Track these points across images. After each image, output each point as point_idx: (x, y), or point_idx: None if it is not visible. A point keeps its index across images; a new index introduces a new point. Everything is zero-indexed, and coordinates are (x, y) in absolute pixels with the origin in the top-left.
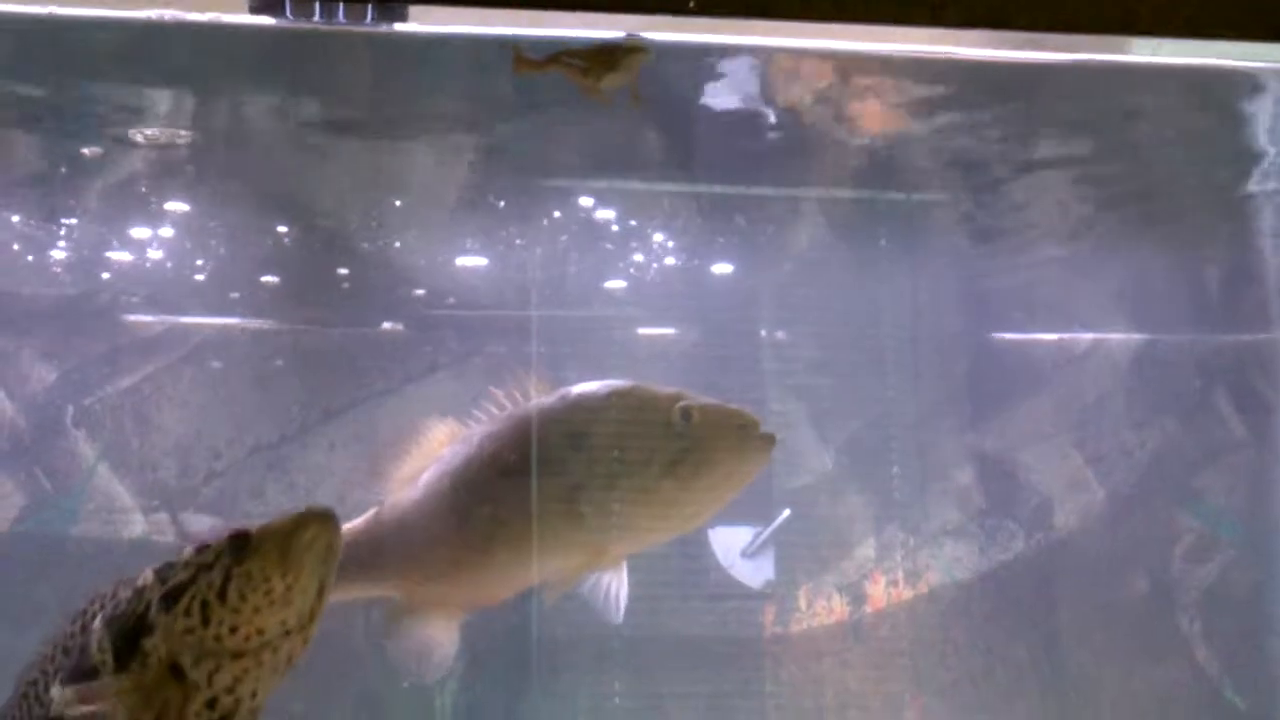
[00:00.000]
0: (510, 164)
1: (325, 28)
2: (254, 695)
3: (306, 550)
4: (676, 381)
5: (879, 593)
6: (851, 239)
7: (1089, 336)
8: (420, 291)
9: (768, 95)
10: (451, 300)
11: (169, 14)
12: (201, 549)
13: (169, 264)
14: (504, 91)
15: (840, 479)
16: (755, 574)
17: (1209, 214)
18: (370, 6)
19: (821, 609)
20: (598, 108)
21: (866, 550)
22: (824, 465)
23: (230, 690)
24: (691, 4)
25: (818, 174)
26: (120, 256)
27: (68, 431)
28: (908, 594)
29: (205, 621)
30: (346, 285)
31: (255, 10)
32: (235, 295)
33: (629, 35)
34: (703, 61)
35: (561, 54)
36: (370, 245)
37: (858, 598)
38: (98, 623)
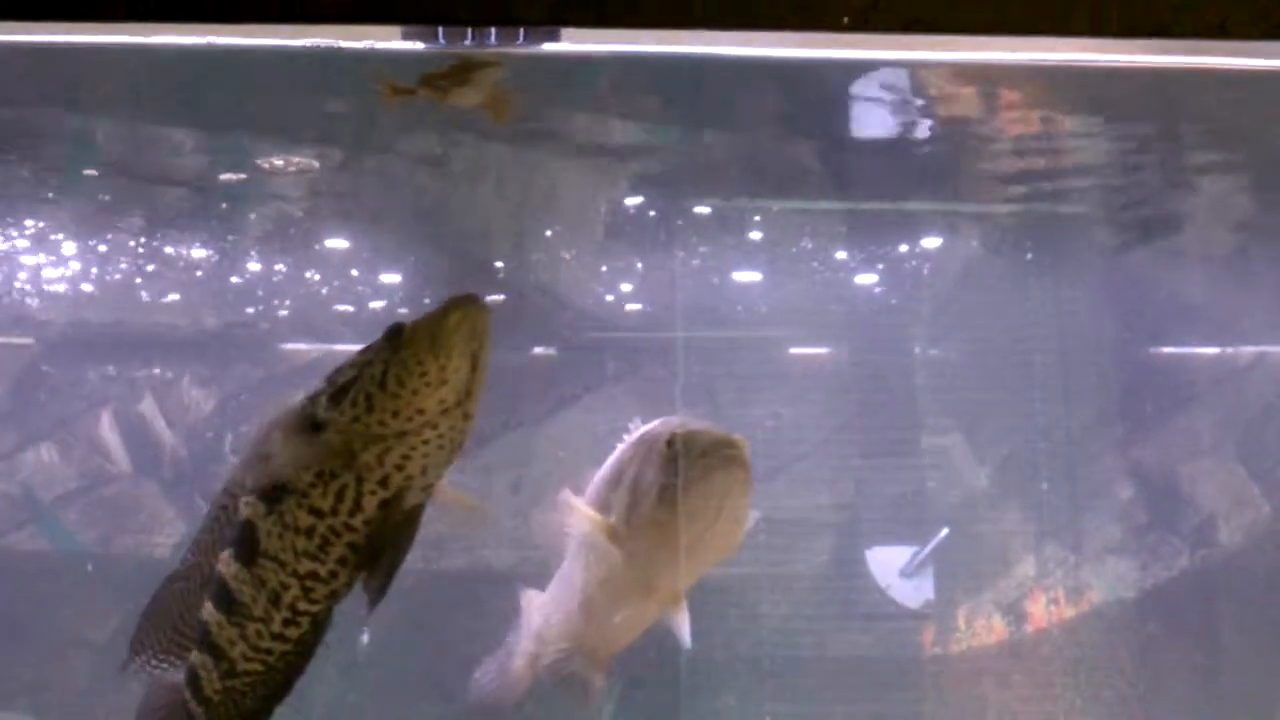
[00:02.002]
0: (661, 186)
1: (477, 51)
2: (424, 472)
3: (454, 332)
4: (828, 401)
5: (1040, 611)
6: (1004, 253)
7: (1252, 349)
8: (572, 315)
9: (921, 110)
10: (603, 324)
11: (323, 42)
12: (365, 350)
13: (322, 292)
14: (652, 112)
15: (997, 496)
16: (914, 594)
17: None
18: (522, 30)
19: (981, 628)
20: (743, 128)
21: (1026, 568)
22: (980, 483)
23: (400, 468)
24: (845, 20)
25: (970, 188)
26: (275, 286)
27: (227, 459)
28: (1069, 612)
29: (370, 409)
30: (498, 310)
31: (407, 36)
32: (388, 323)
33: (485, 50)
34: (855, 77)
35: (426, 75)
36: (522, 270)
37: (1018, 616)
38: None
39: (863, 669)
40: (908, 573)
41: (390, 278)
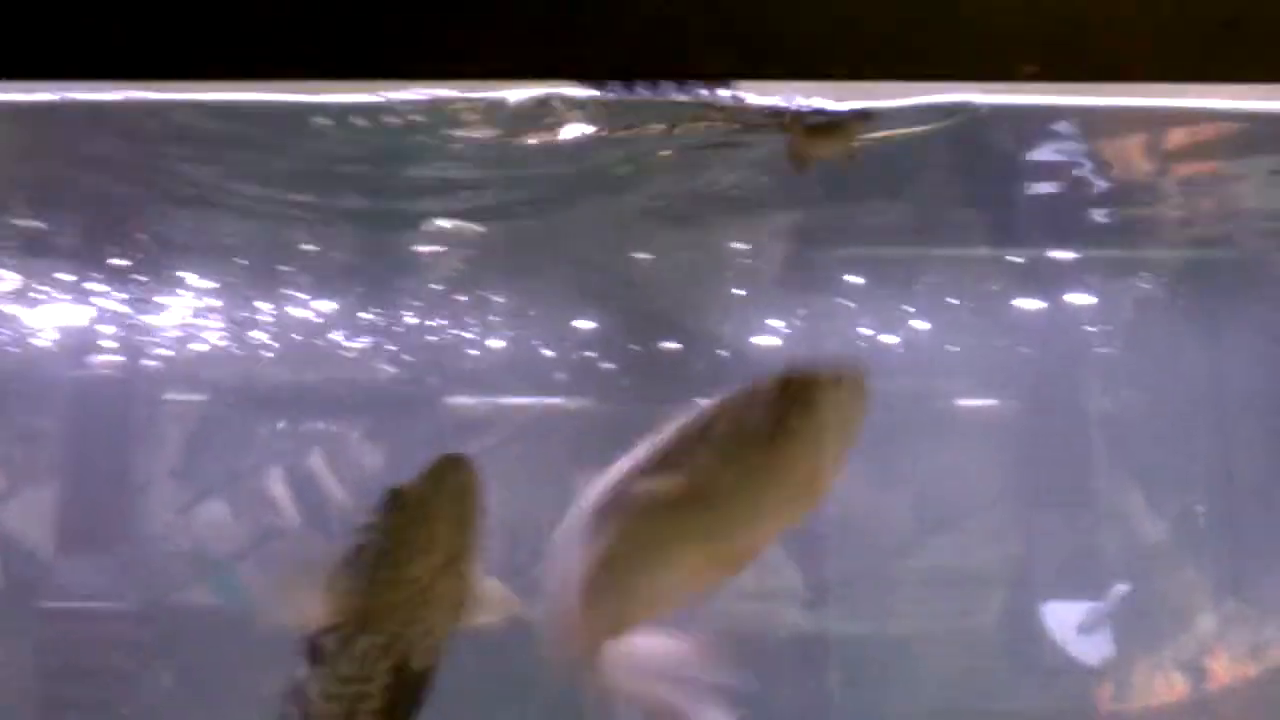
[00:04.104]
0: (820, 238)
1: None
2: (428, 634)
3: (438, 497)
4: (998, 458)
5: (1221, 669)
6: (1177, 302)
7: None
8: (732, 363)
9: (1091, 156)
10: (762, 372)
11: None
12: (370, 516)
13: (489, 347)
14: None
15: (1175, 551)
16: (1091, 649)
17: None
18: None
19: (1160, 686)
20: (907, 178)
21: (1206, 624)
22: (1158, 537)
23: (400, 634)
24: (1027, 69)
25: (1144, 236)
26: (441, 340)
27: None
28: (1252, 670)
29: (370, 579)
30: (662, 362)
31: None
32: (557, 375)
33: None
34: (1024, 125)
35: (799, 124)
36: (689, 322)
37: (1198, 674)
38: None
39: None
40: (1085, 628)
41: (557, 331)
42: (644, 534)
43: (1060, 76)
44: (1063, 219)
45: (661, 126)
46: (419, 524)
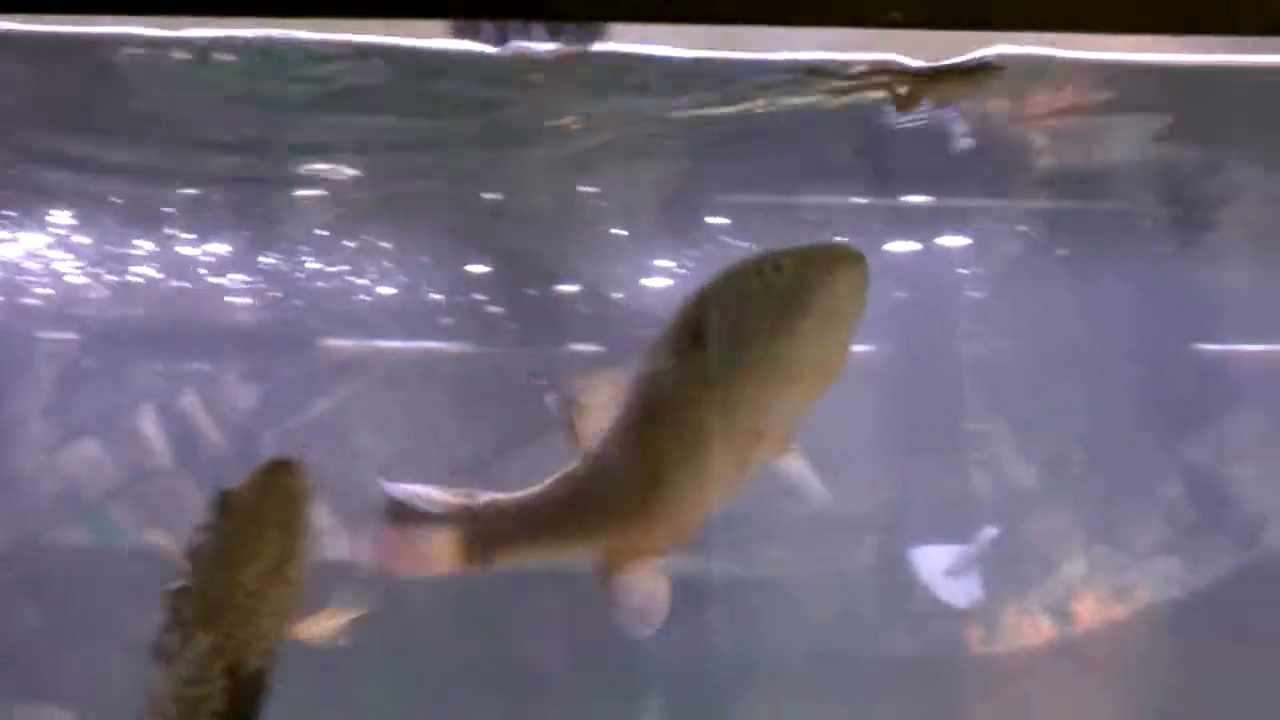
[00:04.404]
0: (703, 182)
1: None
2: (260, 638)
3: (264, 502)
4: (872, 399)
5: (1087, 612)
6: (1046, 250)
7: None
8: (613, 313)
9: (963, 105)
10: (645, 319)
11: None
12: (202, 518)
13: (365, 289)
14: (694, 111)
15: (1044, 497)
16: (961, 593)
17: None
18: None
19: (1028, 629)
20: (790, 127)
21: (1073, 568)
22: (1027, 482)
23: (230, 635)
24: (897, 15)
25: (1015, 184)
26: (319, 283)
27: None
28: (1118, 613)
29: (200, 582)
30: (544, 307)
31: (455, 35)
32: (437, 319)
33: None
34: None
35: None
36: (564, 267)
37: (1065, 617)
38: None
39: (910, 669)
40: (955, 572)
41: (430, 274)
42: (670, 440)
43: (926, 23)
44: (936, 166)
45: (760, 100)
46: (248, 529)
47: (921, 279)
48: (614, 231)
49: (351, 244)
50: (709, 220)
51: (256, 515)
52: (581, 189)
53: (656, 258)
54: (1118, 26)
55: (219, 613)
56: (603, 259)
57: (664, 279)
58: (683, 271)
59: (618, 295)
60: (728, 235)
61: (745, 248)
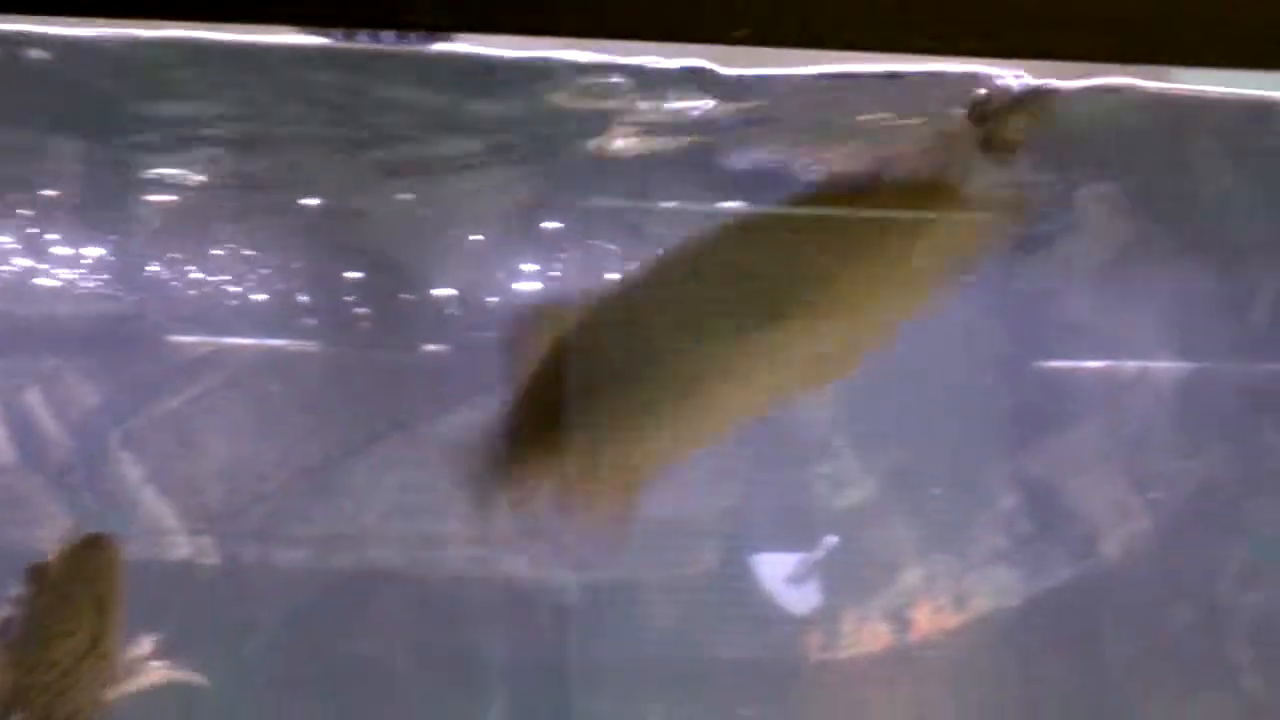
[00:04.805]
0: (555, 185)
1: (370, 47)
2: (77, 713)
3: (76, 580)
4: None
5: (924, 619)
6: None
7: (1135, 364)
8: (464, 312)
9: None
10: (495, 321)
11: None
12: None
13: (214, 285)
14: (545, 116)
15: (884, 505)
16: (800, 599)
17: (1260, 235)
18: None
19: (867, 635)
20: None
21: (912, 576)
22: (868, 491)
23: (48, 715)
24: (741, 32)
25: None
26: (165, 277)
27: (114, 453)
28: (954, 621)
29: (14, 659)
30: (389, 306)
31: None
32: (281, 318)
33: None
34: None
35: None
36: (415, 267)
37: (903, 624)
38: None
39: (749, 672)
40: (795, 579)
41: (283, 272)
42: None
43: (771, 41)
44: (776, 172)
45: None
46: (60, 606)
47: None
48: (469, 236)
49: (200, 242)
50: (559, 225)
51: (68, 590)
52: (434, 191)
53: (512, 261)
54: (988, 50)
55: (34, 691)
56: (456, 262)
57: (528, 282)
58: (538, 274)
59: (469, 297)
60: (579, 239)
61: (610, 250)
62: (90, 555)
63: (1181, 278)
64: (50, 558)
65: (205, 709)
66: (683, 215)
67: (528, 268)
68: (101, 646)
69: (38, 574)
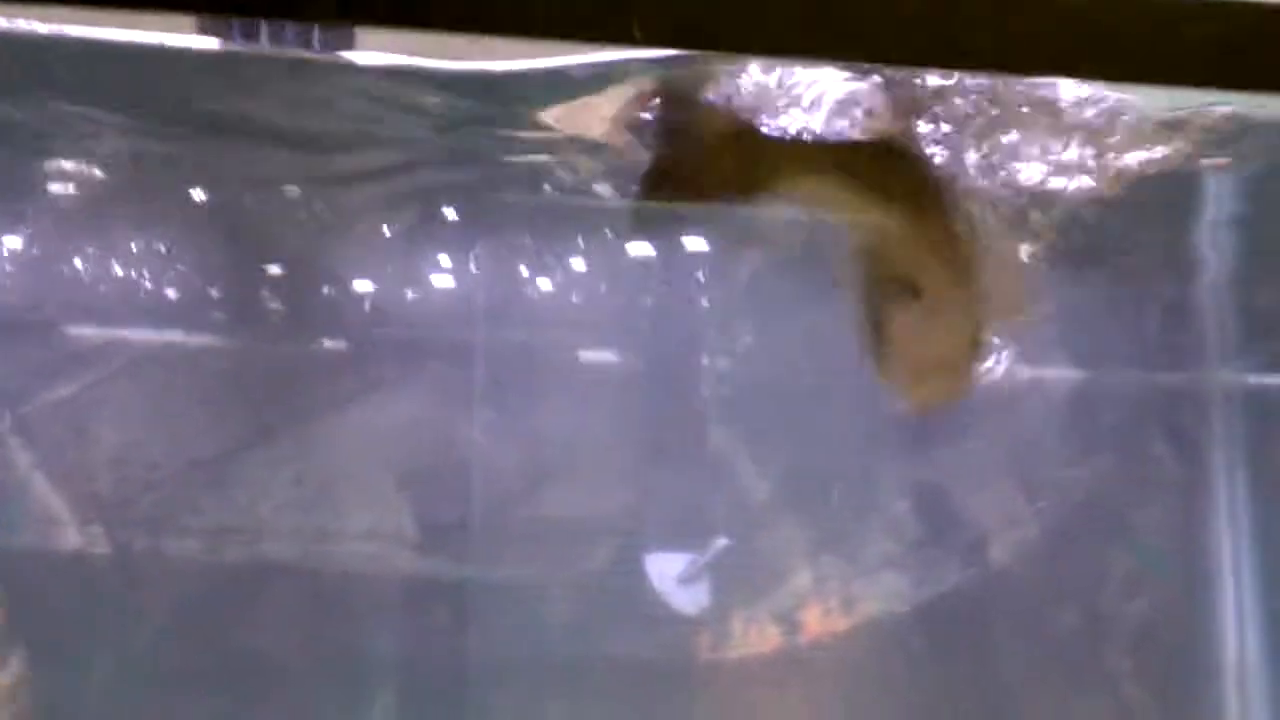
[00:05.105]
0: (454, 181)
1: (272, 51)
2: None
3: None
4: (612, 404)
5: (814, 622)
6: (790, 263)
7: (1029, 372)
8: (362, 309)
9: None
10: (393, 319)
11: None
12: None
13: (112, 278)
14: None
15: (775, 507)
16: (690, 600)
17: (1152, 248)
18: (317, 31)
19: (756, 636)
20: None
21: (802, 579)
22: (760, 493)
23: None
24: (637, 34)
25: None
26: (63, 269)
27: (4, 439)
28: (843, 624)
29: None
30: (287, 302)
31: (203, 32)
32: (180, 311)
33: None
34: None
35: None
36: (313, 263)
37: (792, 626)
38: None
39: (638, 671)
40: (685, 579)
41: (178, 265)
42: None
43: (667, 43)
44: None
45: None
46: None
47: (665, 284)
48: (373, 234)
49: (100, 235)
50: (466, 223)
51: None
52: (339, 190)
53: (414, 260)
54: (863, 55)
55: None
56: (358, 260)
57: (442, 277)
58: (440, 271)
59: (369, 295)
60: (489, 237)
61: (526, 244)
62: None
63: (1074, 286)
64: None
65: (91, 701)
66: (597, 210)
67: (430, 267)
68: None
69: None
